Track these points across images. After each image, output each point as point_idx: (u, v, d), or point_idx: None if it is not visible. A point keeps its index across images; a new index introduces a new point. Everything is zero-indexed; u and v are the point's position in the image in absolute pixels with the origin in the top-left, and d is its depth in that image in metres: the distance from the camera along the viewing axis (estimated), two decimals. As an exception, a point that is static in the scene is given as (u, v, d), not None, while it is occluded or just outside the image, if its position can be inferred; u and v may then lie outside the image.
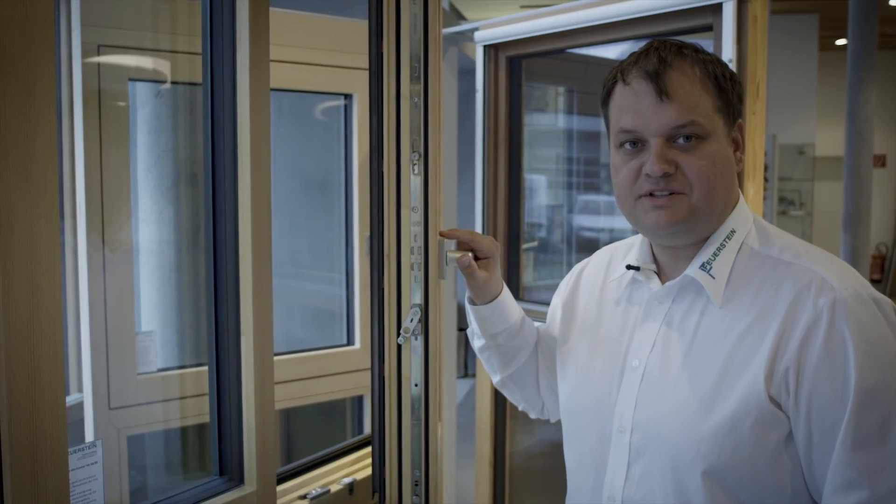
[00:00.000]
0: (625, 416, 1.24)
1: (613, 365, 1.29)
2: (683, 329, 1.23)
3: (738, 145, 1.25)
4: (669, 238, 1.25)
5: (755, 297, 1.18)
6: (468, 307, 1.51)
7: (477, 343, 1.55)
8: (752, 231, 1.25)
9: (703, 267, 1.22)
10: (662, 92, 1.16)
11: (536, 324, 1.58)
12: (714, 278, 1.21)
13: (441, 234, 1.50)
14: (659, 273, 1.31)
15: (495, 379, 1.58)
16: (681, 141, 1.17)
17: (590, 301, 1.42)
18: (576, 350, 1.40)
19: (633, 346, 1.28)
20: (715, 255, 1.22)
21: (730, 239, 1.23)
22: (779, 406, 1.12)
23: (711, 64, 1.20)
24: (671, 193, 1.19)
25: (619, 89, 1.23)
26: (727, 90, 1.21)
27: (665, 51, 1.19)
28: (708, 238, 1.24)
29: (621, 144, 1.22)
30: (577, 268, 1.52)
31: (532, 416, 1.62)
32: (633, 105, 1.20)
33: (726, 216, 1.24)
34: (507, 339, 1.51)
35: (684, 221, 1.19)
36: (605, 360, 1.31)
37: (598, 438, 1.28)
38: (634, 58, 1.22)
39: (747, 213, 1.27)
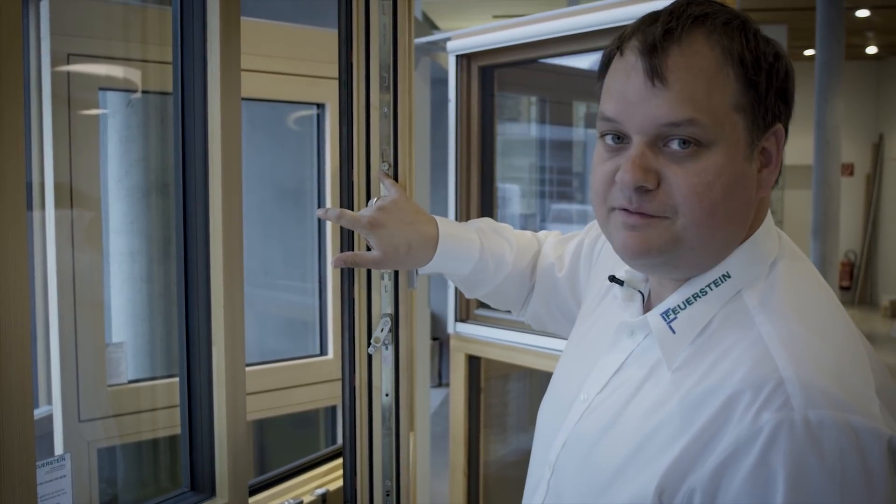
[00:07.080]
0: (553, 452, 1.02)
1: (572, 387, 1.05)
2: (630, 381, 0.96)
3: (769, 160, 0.92)
4: (643, 269, 0.99)
5: (710, 370, 0.87)
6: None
7: None
8: (760, 282, 0.91)
9: (665, 315, 0.93)
10: (655, 74, 0.86)
11: (546, 256, 1.42)
12: (674, 333, 0.91)
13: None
14: (649, 295, 1.02)
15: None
16: (673, 146, 0.87)
17: (597, 292, 1.17)
18: (563, 355, 1.20)
19: (591, 375, 1.02)
20: (688, 302, 0.92)
21: (718, 285, 0.92)
22: None
23: (743, 42, 0.87)
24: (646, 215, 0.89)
25: (616, 61, 0.92)
26: (759, 83, 0.88)
27: (679, 17, 0.87)
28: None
29: (603, 134, 0.93)
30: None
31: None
32: (619, 86, 0.90)
33: (726, 254, 0.92)
34: (463, 283, 1.44)
35: (660, 253, 0.90)
36: (570, 379, 1.08)
37: (538, 464, 1.07)
38: (645, 21, 0.90)
39: (760, 254, 0.93)
